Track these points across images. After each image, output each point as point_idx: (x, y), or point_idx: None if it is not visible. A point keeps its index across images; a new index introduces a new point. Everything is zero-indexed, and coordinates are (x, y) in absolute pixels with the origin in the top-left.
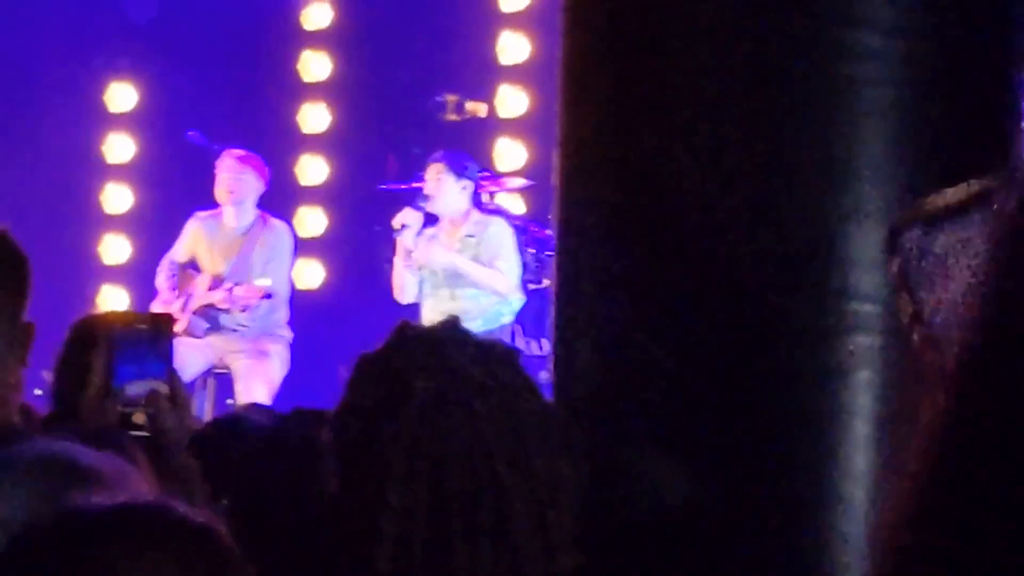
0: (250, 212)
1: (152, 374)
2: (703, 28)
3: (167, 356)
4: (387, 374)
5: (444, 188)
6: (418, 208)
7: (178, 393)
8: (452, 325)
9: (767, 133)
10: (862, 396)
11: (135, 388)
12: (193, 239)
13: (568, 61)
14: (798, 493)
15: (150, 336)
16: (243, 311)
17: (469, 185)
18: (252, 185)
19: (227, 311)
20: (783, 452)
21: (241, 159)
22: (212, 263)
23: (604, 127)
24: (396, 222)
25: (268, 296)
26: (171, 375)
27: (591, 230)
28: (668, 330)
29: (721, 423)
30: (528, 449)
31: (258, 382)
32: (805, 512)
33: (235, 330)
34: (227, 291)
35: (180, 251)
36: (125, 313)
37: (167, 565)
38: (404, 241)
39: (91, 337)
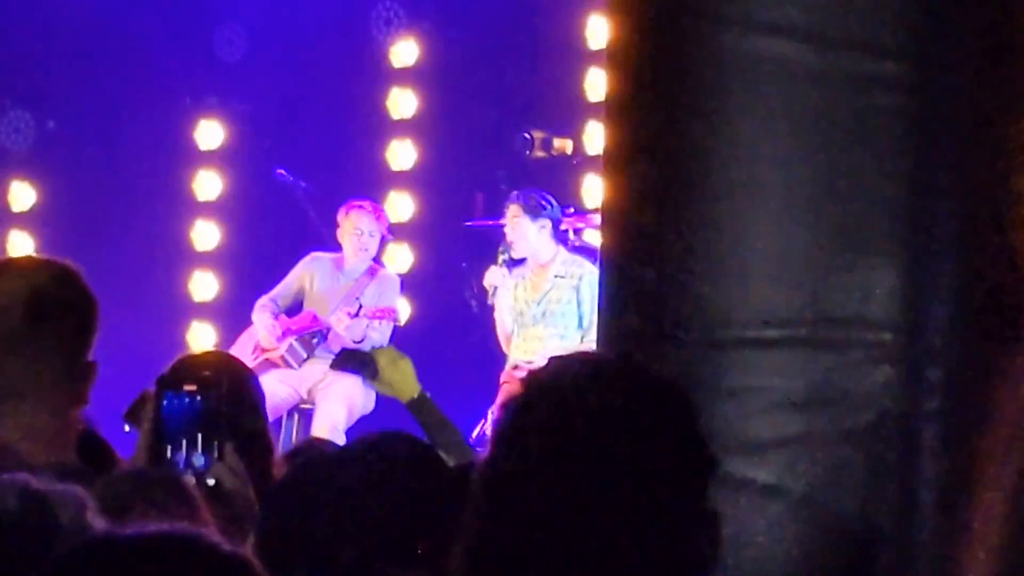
0: (370, 259)
1: (201, 444)
2: (744, 60)
3: (218, 424)
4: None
5: (522, 230)
6: (505, 263)
7: (230, 460)
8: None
9: (823, 173)
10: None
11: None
12: (304, 278)
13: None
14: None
15: (201, 403)
16: (358, 341)
17: (547, 224)
18: (380, 235)
19: (325, 339)
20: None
21: (376, 212)
22: (318, 304)
23: (648, 156)
24: (486, 283)
25: (396, 320)
26: (220, 444)
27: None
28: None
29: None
30: (616, 495)
31: (337, 401)
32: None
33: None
34: (350, 314)
35: (286, 290)
36: (203, 362)
37: None
38: (497, 302)
39: (159, 387)
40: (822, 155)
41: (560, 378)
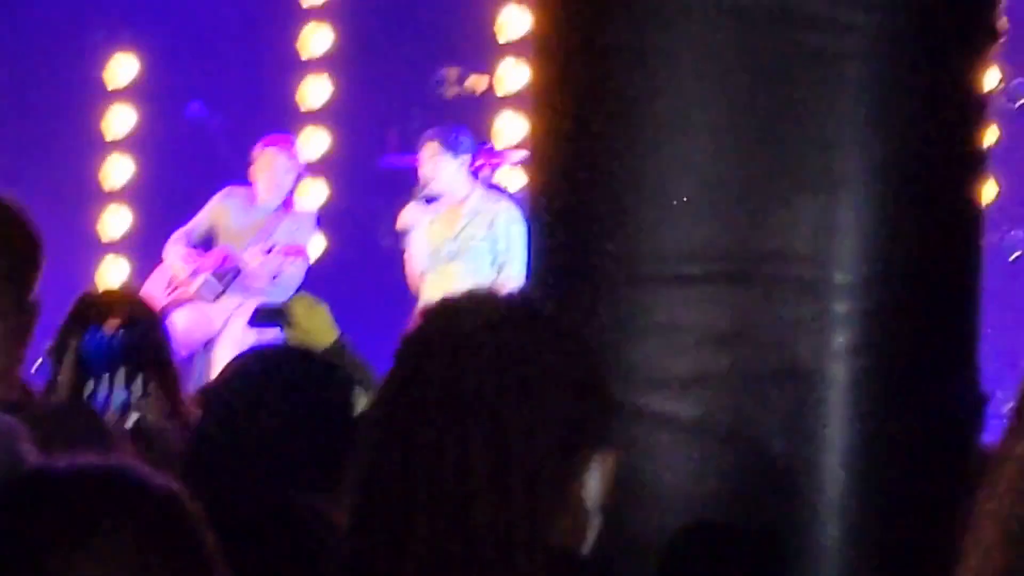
0: (282, 197)
1: (122, 381)
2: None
3: (140, 361)
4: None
5: (442, 167)
6: (421, 201)
7: (153, 396)
8: (474, 294)
9: (747, 110)
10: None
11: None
12: (217, 213)
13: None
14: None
15: (122, 340)
16: (275, 277)
17: (467, 159)
18: (295, 173)
19: (242, 276)
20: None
21: (291, 149)
22: (232, 239)
23: (582, 88)
24: (400, 226)
25: (304, 256)
26: (143, 381)
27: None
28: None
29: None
30: (506, 428)
31: (245, 335)
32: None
33: (245, 291)
34: (263, 251)
35: (199, 225)
36: (116, 299)
37: (126, 526)
38: (411, 240)
39: (84, 319)
40: (748, 92)
41: (452, 317)
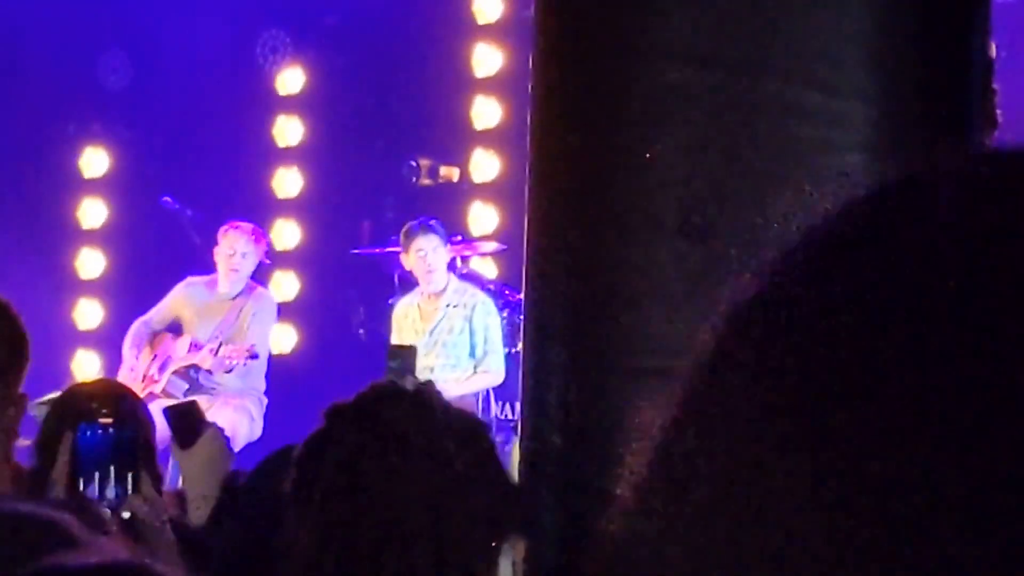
0: (244, 281)
1: (114, 476)
2: (667, 90)
3: (132, 455)
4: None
5: (441, 260)
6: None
7: (144, 491)
8: (425, 387)
9: (728, 194)
10: None
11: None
12: (179, 303)
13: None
14: None
15: (115, 435)
16: (228, 372)
17: (449, 251)
18: (256, 259)
19: (210, 372)
20: None
21: (254, 235)
22: (196, 327)
23: (570, 188)
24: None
25: (255, 356)
26: (135, 476)
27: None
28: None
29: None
30: (443, 517)
31: (220, 421)
32: None
33: (213, 389)
34: (211, 351)
35: (160, 315)
36: (107, 394)
37: None
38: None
39: (68, 416)
40: (758, 184)
41: (378, 418)
